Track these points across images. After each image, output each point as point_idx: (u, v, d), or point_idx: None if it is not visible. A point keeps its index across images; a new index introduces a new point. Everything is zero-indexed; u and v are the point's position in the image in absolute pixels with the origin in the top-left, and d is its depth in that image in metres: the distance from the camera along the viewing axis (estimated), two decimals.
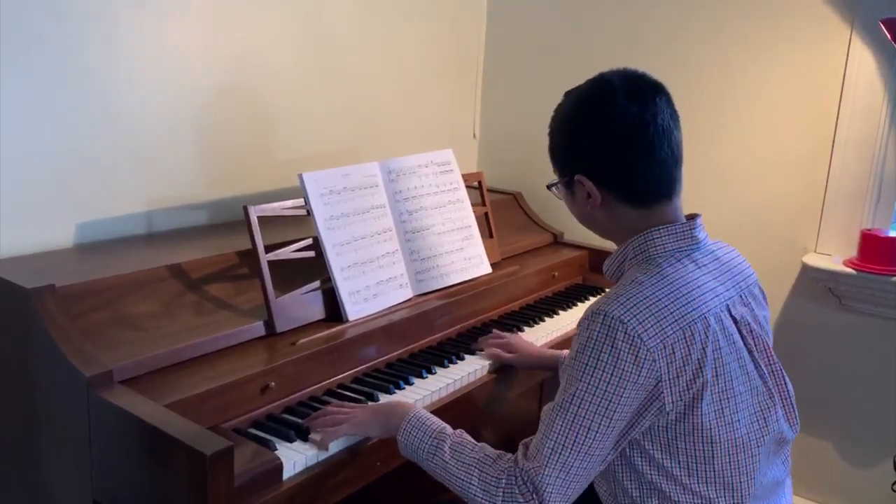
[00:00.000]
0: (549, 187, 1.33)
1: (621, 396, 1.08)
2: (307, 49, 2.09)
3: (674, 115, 1.21)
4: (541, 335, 1.87)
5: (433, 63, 2.53)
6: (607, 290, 2.25)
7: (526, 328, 1.90)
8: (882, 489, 2.14)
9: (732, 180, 2.26)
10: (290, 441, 1.29)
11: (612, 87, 1.19)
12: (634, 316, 1.09)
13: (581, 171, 1.21)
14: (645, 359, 1.07)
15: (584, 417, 1.08)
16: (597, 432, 1.08)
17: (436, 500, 1.64)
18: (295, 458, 1.24)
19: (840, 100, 2.07)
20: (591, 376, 1.09)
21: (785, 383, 1.25)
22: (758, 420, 1.19)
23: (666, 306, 1.11)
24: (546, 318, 1.98)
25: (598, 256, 2.37)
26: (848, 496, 2.22)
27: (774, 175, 2.21)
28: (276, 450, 1.25)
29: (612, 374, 1.08)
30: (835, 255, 2.12)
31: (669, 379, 1.10)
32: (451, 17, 2.57)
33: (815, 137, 2.12)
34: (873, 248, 2.01)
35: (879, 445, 2.14)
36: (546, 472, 1.08)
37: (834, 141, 2.10)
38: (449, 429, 1.24)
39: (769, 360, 1.24)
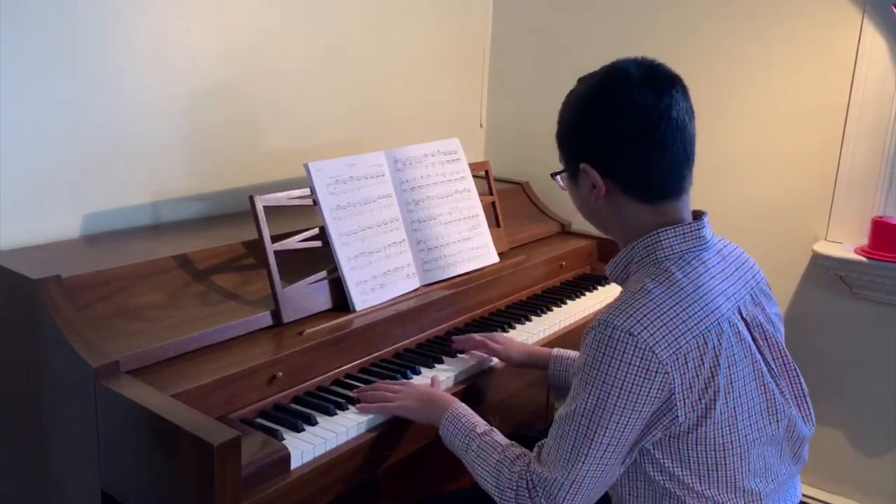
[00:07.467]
0: (553, 176, 1.30)
1: (632, 410, 1.06)
2: (313, 39, 2.08)
3: (689, 110, 1.16)
4: (549, 325, 1.86)
5: (439, 52, 2.51)
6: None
7: (534, 318, 1.89)
8: (892, 479, 2.13)
9: (742, 168, 2.24)
10: (298, 431, 1.28)
11: (626, 75, 1.14)
12: (645, 328, 1.05)
13: (587, 160, 1.17)
14: (657, 371, 1.05)
15: (595, 431, 1.07)
16: (608, 444, 1.07)
17: (444, 490, 1.64)
18: (303, 448, 1.23)
19: (851, 85, 2.04)
20: (601, 390, 1.06)
21: (799, 381, 1.23)
22: (770, 422, 1.17)
23: (678, 315, 1.07)
24: (554, 308, 1.97)
25: (605, 246, 2.36)
26: (857, 486, 2.20)
27: (784, 162, 2.19)
28: (283, 440, 1.24)
29: (621, 388, 1.05)
30: (846, 243, 2.10)
31: (682, 390, 1.07)
32: (457, 5, 2.55)
33: (826, 124, 2.10)
34: (885, 236, 1.99)
35: (889, 435, 2.12)
36: (559, 481, 1.09)
37: (845, 127, 2.07)
38: (481, 426, 1.25)
39: (782, 360, 1.21)
